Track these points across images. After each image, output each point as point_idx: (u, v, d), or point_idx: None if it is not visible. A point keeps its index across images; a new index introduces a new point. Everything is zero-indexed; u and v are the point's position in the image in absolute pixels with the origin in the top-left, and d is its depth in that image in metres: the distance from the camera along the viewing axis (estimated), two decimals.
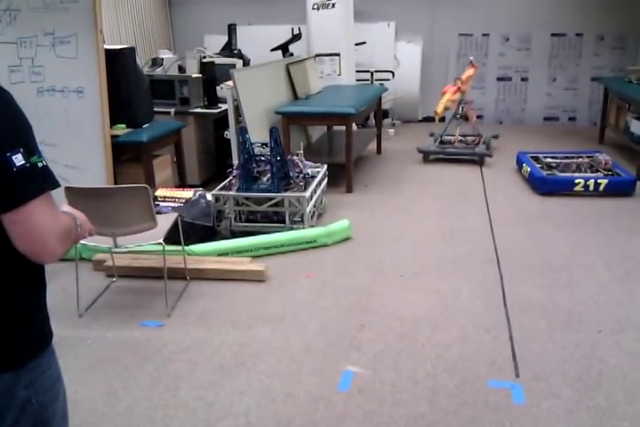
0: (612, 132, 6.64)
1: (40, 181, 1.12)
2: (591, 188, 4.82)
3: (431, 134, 6.47)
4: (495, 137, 6.48)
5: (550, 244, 3.92)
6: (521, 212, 4.53)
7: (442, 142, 6.23)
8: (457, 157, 5.99)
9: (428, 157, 6.09)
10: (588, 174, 5.06)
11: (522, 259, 3.68)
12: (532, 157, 5.56)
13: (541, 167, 5.26)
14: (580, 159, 5.42)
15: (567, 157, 5.50)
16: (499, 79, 8.16)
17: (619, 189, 4.86)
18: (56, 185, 1.16)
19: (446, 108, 5.84)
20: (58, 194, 1.20)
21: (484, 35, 8.02)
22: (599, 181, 4.82)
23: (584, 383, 2.42)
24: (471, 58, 6.41)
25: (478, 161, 5.86)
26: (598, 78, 7.47)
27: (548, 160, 5.43)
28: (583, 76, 7.96)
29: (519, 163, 5.61)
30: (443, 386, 2.43)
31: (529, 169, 5.20)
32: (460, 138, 6.17)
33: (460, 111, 6.10)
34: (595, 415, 2.23)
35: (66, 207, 1.33)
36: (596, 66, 7.88)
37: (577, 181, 4.85)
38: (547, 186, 4.94)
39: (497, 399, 2.34)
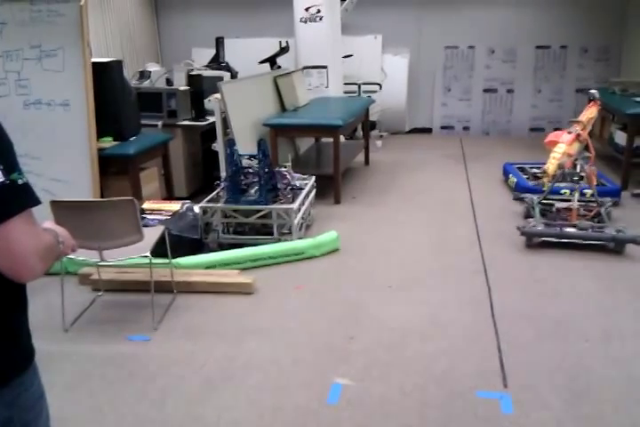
0: (596, 143, 6.70)
1: (20, 198, 1.10)
2: (577, 198, 4.84)
3: (518, 198, 4.90)
4: (615, 204, 4.68)
5: (536, 254, 3.94)
6: (507, 222, 4.55)
7: (543, 214, 4.38)
8: (581, 241, 3.96)
9: (532, 240, 4.04)
10: (574, 184, 5.09)
11: (509, 269, 3.70)
12: (518, 168, 5.61)
13: (527, 178, 5.30)
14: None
15: None
16: (485, 91, 8.25)
17: None
18: (37, 202, 1.13)
19: (560, 167, 3.94)
20: (43, 207, 1.19)
21: (469, 47, 8.12)
22: (585, 190, 4.86)
23: (572, 393, 2.43)
24: (593, 91, 4.53)
25: (614, 248, 3.89)
26: (583, 90, 7.57)
27: (534, 171, 5.47)
28: (568, 88, 8.07)
29: (505, 173, 5.65)
30: (432, 398, 2.42)
31: (515, 179, 5.24)
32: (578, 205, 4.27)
33: (579, 171, 4.22)
34: (583, 425, 2.23)
35: (47, 224, 1.31)
36: (581, 77, 7.99)
37: (563, 191, 4.89)
38: None
39: (486, 410, 2.33)
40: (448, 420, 2.28)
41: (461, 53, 8.17)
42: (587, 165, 4.17)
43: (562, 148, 3.90)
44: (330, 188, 5.14)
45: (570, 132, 4.00)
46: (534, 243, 4.02)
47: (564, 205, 4.38)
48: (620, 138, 5.75)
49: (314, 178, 4.65)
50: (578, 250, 3.94)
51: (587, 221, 4.09)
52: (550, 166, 3.86)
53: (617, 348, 2.77)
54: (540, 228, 4.01)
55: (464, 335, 2.91)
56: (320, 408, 2.38)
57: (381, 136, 7.89)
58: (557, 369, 2.60)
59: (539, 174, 5.34)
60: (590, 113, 4.28)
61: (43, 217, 1.31)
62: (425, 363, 2.67)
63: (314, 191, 4.62)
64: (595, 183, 4.30)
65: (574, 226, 4.01)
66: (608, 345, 2.80)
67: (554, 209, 4.42)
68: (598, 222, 4.16)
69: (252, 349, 2.84)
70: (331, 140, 5.20)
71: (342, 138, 6.10)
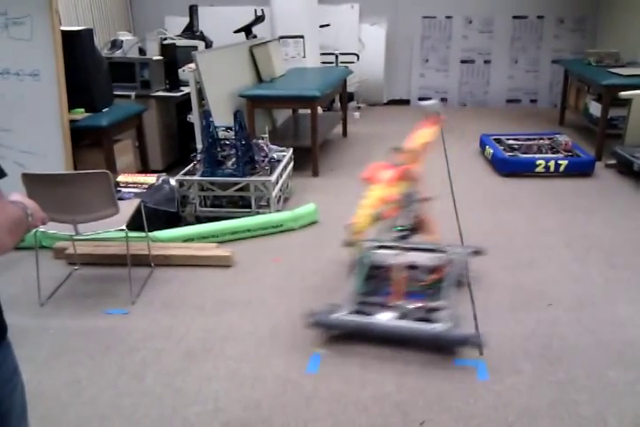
0: (571, 114, 6.75)
1: None
2: (552, 169, 4.91)
3: (348, 244, 2.90)
4: (478, 253, 3.26)
5: (512, 224, 3.99)
6: (484, 193, 4.59)
7: (372, 276, 2.91)
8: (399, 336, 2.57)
9: (328, 331, 2.64)
10: (549, 155, 5.15)
11: (485, 239, 3.73)
12: (494, 139, 5.63)
13: (504, 149, 5.33)
14: (542, 141, 5.51)
15: (529, 139, 5.59)
16: (462, 62, 8.21)
17: (578, 170, 4.96)
18: (2, 175, 1.12)
19: (377, 219, 2.61)
20: (14, 180, 1.17)
21: (447, 17, 8.03)
22: (559, 161, 4.91)
23: (545, 359, 2.49)
24: (428, 103, 3.03)
25: (444, 346, 2.55)
26: (558, 61, 7.57)
27: (511, 142, 5.50)
28: (544, 59, 8.06)
29: (482, 145, 5.67)
30: (410, 366, 2.47)
31: (491, 151, 5.27)
32: (411, 262, 2.94)
33: (406, 225, 2.77)
34: (555, 390, 2.30)
35: (15, 196, 1.28)
36: (557, 48, 7.99)
37: (538, 162, 4.93)
38: (509, 167, 5.02)
39: (462, 377, 2.39)
40: (426, 387, 2.33)
41: (439, 23, 8.09)
42: (421, 212, 2.74)
43: (376, 191, 2.57)
44: (308, 160, 5.11)
45: (393, 165, 2.62)
46: (333, 335, 2.62)
47: (398, 261, 2.74)
48: (595, 109, 5.78)
49: (291, 150, 4.61)
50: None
51: (408, 305, 2.64)
52: (359, 223, 2.48)
53: (588, 315, 2.84)
54: (340, 314, 2.55)
55: None
56: (300, 378, 2.41)
57: (359, 108, 7.83)
58: (531, 337, 2.66)
59: (515, 146, 5.38)
60: (423, 135, 2.81)
61: (15, 191, 1.28)
62: None
63: (292, 163, 4.59)
64: (434, 231, 2.81)
65: (392, 308, 2.61)
66: (580, 312, 2.86)
67: (385, 266, 2.87)
68: (440, 290, 2.79)
69: (231, 321, 2.85)
70: (308, 111, 5.14)
71: (320, 109, 6.05)
